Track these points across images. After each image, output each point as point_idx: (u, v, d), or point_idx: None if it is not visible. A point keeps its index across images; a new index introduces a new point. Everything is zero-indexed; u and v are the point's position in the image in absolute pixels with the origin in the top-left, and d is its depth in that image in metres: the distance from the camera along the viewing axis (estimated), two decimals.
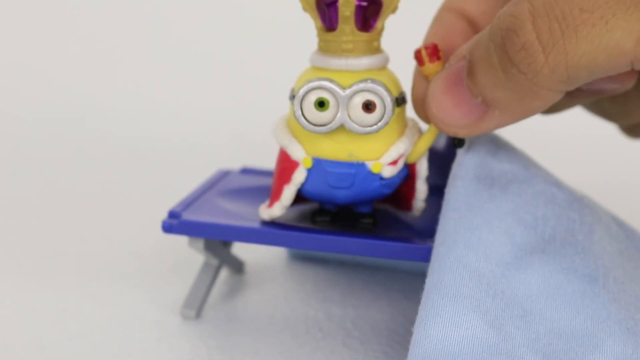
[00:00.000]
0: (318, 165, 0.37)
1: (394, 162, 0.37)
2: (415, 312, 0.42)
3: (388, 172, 0.37)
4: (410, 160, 0.38)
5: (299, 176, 0.37)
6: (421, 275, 0.46)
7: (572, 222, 0.37)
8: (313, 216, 0.39)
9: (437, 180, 0.40)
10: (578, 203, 0.38)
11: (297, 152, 0.37)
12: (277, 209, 0.39)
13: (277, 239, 0.39)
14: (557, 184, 0.38)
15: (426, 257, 0.36)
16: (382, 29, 0.37)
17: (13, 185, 0.59)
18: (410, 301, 0.43)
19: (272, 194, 0.39)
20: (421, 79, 0.37)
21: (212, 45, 0.75)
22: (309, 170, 0.37)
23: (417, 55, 0.37)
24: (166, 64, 0.74)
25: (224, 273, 0.46)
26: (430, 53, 0.36)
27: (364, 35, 0.36)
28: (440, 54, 0.37)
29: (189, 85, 0.73)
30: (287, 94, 0.38)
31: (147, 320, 0.42)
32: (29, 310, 0.42)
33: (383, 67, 0.37)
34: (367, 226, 0.39)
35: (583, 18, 0.31)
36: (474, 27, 0.39)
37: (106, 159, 0.64)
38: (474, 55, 0.34)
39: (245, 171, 0.47)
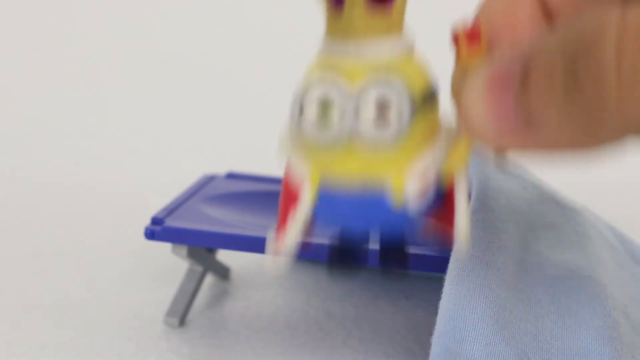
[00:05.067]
0: (326, 190, 0.28)
1: (421, 182, 0.27)
2: (415, 311, 0.42)
3: (412, 193, 0.27)
4: (447, 176, 0.28)
5: (305, 203, 0.28)
6: (421, 275, 0.46)
7: (576, 234, 0.36)
8: (330, 263, 0.30)
9: None
10: (580, 215, 0.37)
11: (303, 173, 0.28)
12: (288, 241, 0.29)
13: (262, 247, 0.36)
14: (556, 193, 0.38)
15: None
16: (403, 4, 0.27)
17: (11, 188, 0.59)
18: (410, 301, 0.43)
19: (279, 223, 0.30)
20: (460, 66, 0.29)
21: (199, 47, 0.75)
22: (318, 196, 0.28)
23: (454, 37, 0.28)
24: (157, 65, 0.74)
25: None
26: (471, 34, 0.28)
27: (379, 12, 0.27)
28: (482, 35, 0.28)
29: (180, 90, 0.73)
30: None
31: (147, 320, 0.42)
32: (29, 310, 0.42)
33: (408, 54, 0.27)
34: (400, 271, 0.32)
35: None
36: (544, 9, 0.30)
37: (94, 162, 0.64)
38: (534, 63, 0.25)
39: (231, 176, 0.47)
